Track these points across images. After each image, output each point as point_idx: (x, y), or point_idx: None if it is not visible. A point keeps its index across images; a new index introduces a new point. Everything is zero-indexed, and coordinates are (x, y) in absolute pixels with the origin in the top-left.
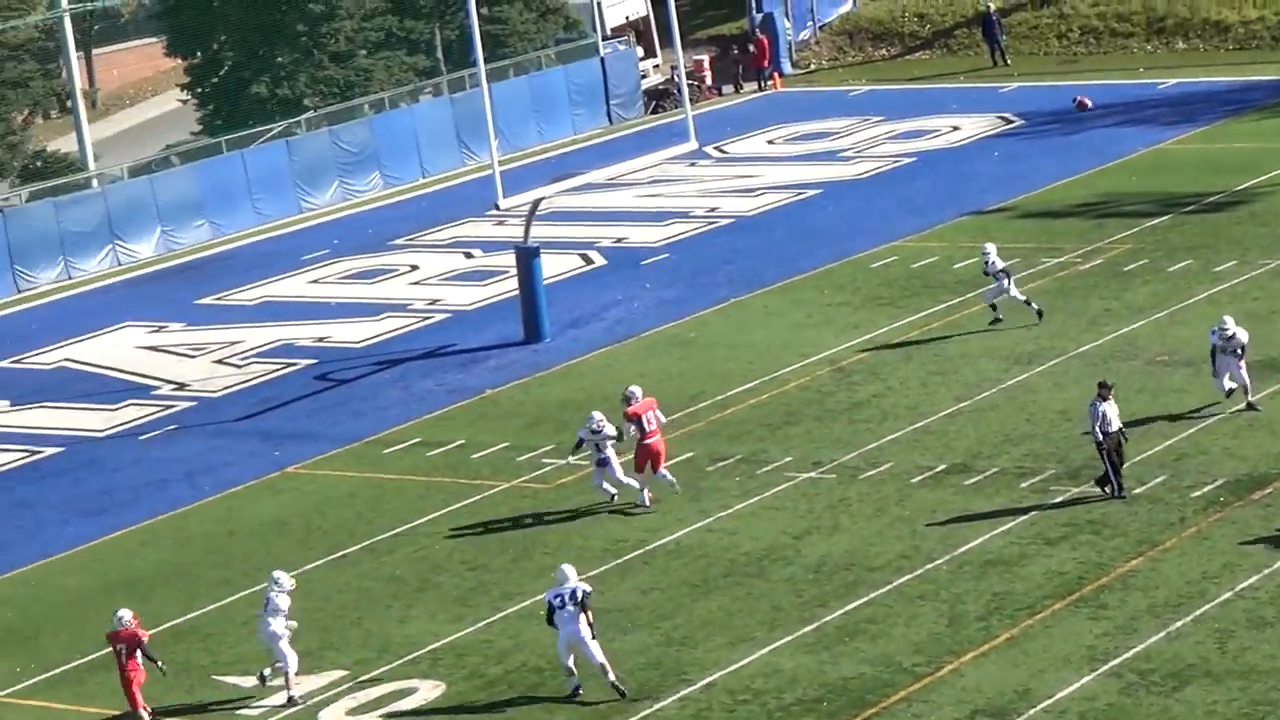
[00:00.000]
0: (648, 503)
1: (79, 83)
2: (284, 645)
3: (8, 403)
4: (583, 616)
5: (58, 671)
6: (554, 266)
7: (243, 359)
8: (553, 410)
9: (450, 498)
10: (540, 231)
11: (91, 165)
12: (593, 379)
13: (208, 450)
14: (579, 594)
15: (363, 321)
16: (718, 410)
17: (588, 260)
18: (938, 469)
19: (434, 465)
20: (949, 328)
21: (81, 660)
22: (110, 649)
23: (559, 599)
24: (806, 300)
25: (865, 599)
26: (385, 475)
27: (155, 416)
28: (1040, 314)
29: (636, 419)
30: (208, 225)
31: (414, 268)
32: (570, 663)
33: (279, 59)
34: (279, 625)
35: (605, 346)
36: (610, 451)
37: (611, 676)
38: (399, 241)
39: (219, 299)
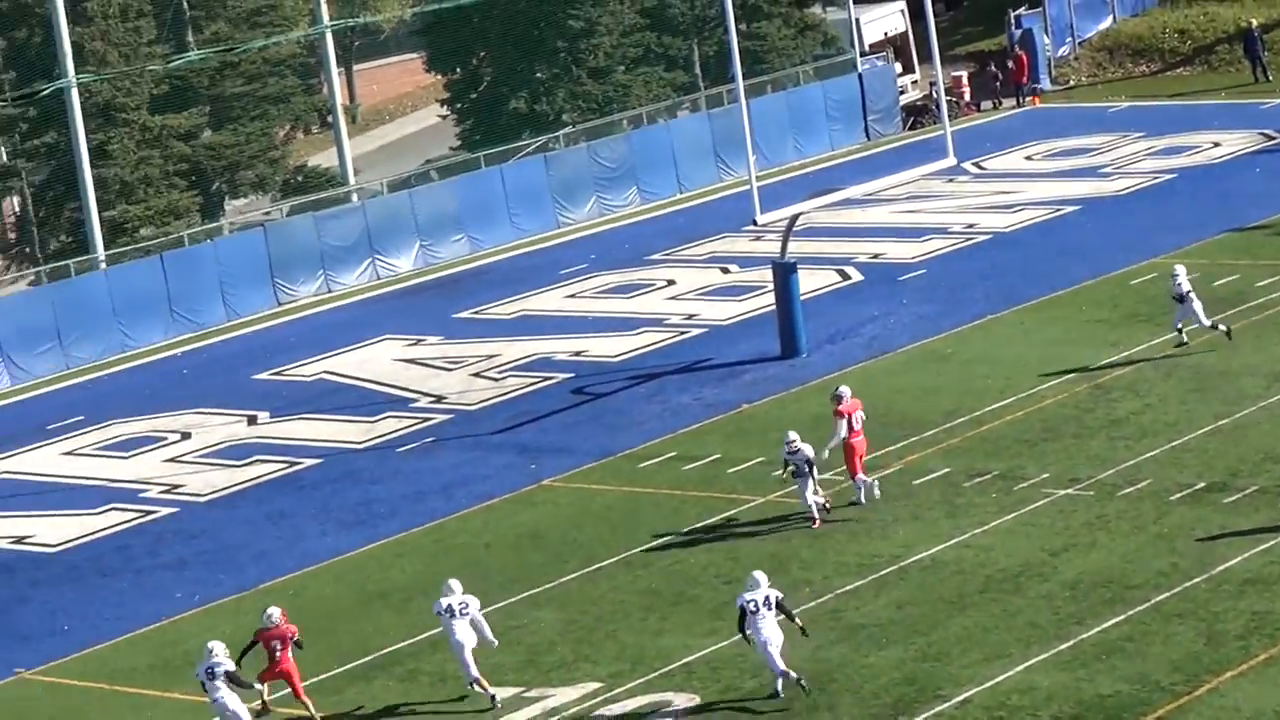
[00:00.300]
0: (864, 501)
1: (340, 98)
2: (467, 655)
3: (268, 414)
4: (775, 619)
5: (312, 682)
6: (811, 282)
7: (500, 372)
8: (808, 425)
9: (705, 512)
10: (797, 247)
11: (351, 180)
12: None
13: (465, 463)
14: (773, 599)
15: (620, 336)
16: (974, 426)
17: (845, 276)
18: (1197, 486)
19: (689, 479)
20: (1208, 345)
21: (339, 669)
22: (263, 646)
23: (753, 604)
24: (1064, 317)
25: (1122, 616)
26: (641, 489)
27: (413, 429)
28: (1229, 333)
29: (846, 417)
30: (466, 239)
31: (671, 282)
32: (780, 665)
33: (538, 75)
34: (465, 633)
35: (861, 362)
36: (808, 469)
37: (793, 676)
38: (656, 256)
39: (476, 313)
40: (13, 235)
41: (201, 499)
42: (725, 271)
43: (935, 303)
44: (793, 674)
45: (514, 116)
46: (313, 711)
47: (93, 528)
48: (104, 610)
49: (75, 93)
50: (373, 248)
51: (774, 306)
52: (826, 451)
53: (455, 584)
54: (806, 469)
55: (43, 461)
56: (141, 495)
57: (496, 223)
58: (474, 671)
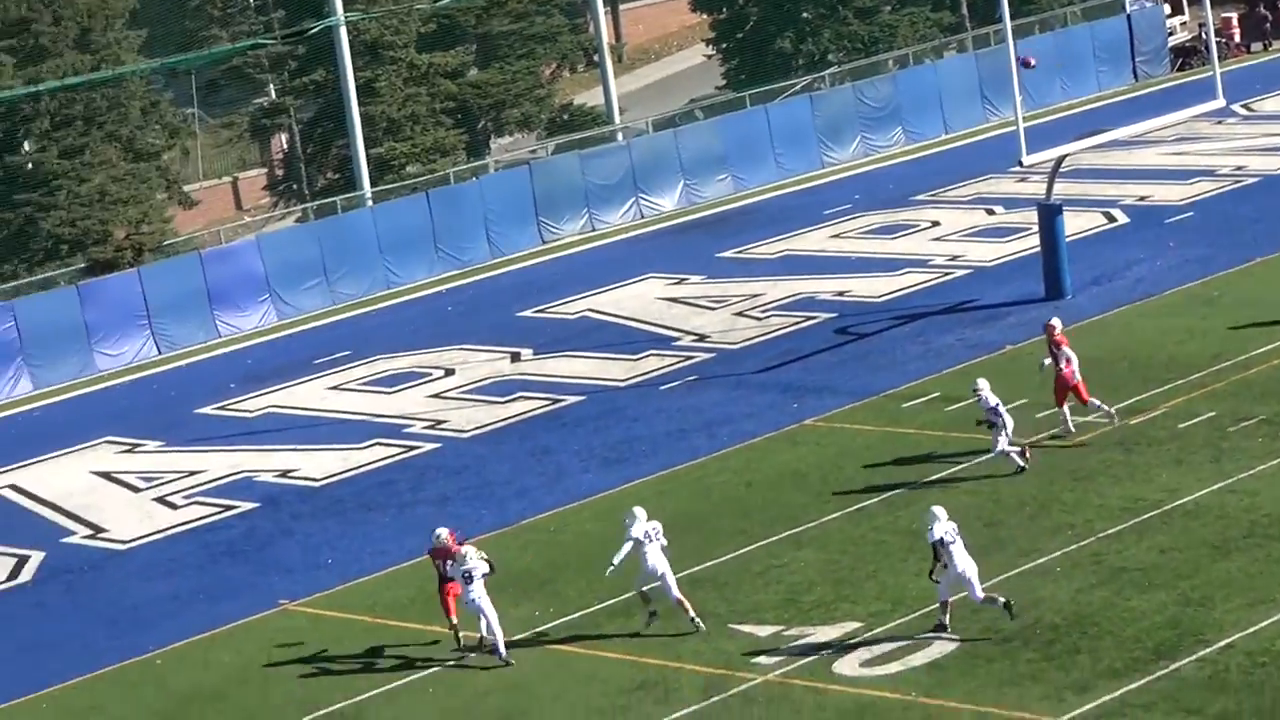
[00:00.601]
0: (1072, 429)
1: (606, 37)
2: (669, 579)
3: (531, 351)
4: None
5: (574, 617)
6: (1076, 224)
7: (763, 312)
8: None
9: (966, 453)
10: (1063, 189)
11: (617, 119)
12: (1113, 336)
13: (726, 401)
14: (955, 531)
15: (883, 276)
16: (1240, 370)
17: (1110, 218)
18: None
19: (952, 420)
20: None
21: (599, 606)
22: (432, 563)
23: (949, 534)
24: None
25: None
26: (903, 429)
27: (675, 367)
28: None
29: (1059, 347)
30: (730, 179)
31: (935, 223)
32: (981, 594)
33: (804, 14)
34: (658, 558)
35: (1126, 304)
36: (1000, 418)
37: (1000, 599)
38: (920, 197)
39: (740, 252)
40: (280, 172)
41: (464, 435)
42: (990, 213)
43: (1202, 246)
44: (999, 597)
45: (779, 56)
46: (455, 622)
47: (357, 462)
48: (366, 544)
49: (344, 31)
50: (637, 186)
51: (1039, 248)
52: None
53: (640, 511)
54: (994, 418)
55: (308, 396)
56: (405, 431)
57: (761, 162)
58: (676, 593)
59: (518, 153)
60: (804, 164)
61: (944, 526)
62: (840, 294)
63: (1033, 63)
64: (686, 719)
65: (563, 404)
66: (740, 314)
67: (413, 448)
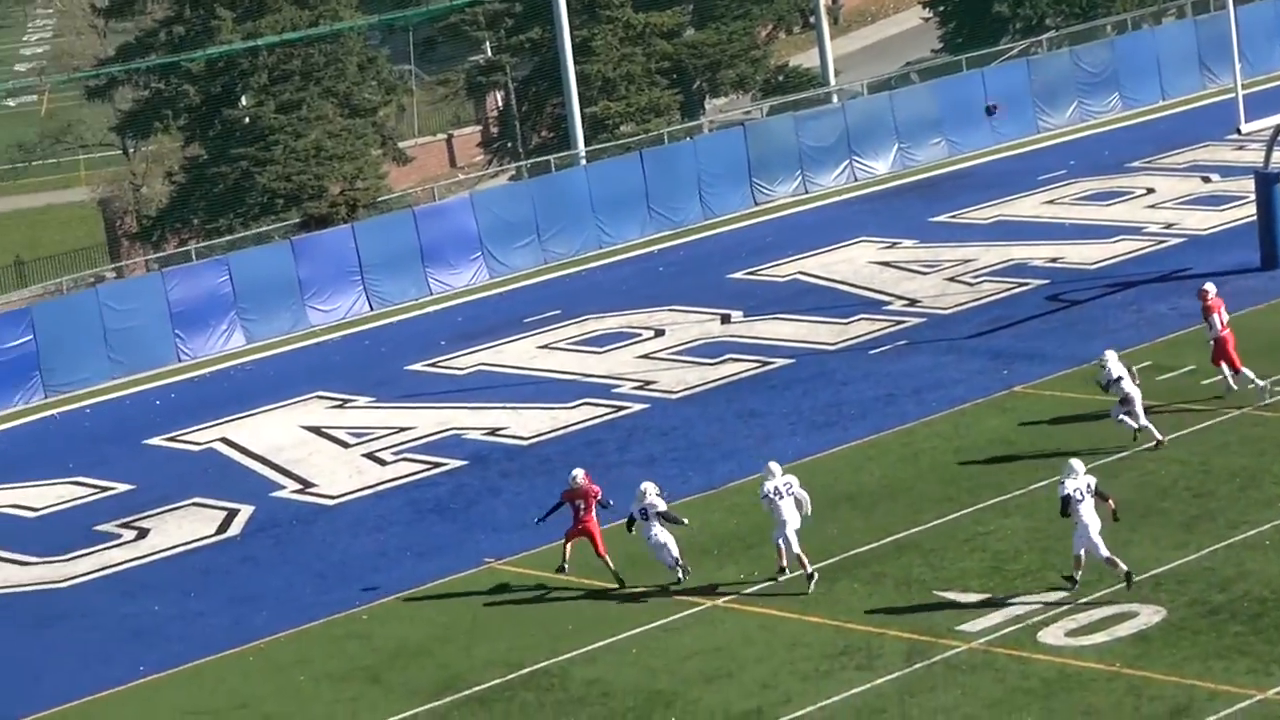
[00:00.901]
0: (1233, 386)
1: None
2: (790, 533)
3: (741, 313)
4: (1095, 509)
5: (781, 580)
6: None
7: (974, 277)
8: None
9: (1179, 423)
10: None
11: (832, 81)
12: None
13: (936, 367)
14: (1093, 485)
15: (1096, 243)
16: None
17: None
18: None
19: (1163, 390)
20: None
21: (804, 571)
22: (568, 506)
23: (1078, 492)
24: None
25: None
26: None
27: (885, 331)
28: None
29: (1213, 312)
30: (944, 143)
31: (1150, 190)
32: (1105, 552)
33: None
34: (790, 513)
35: None
36: (1127, 389)
37: (1122, 567)
38: (1136, 164)
39: (953, 217)
40: (495, 130)
41: (673, 396)
42: (1206, 180)
43: None
44: (1121, 565)
45: (997, 20)
46: (613, 568)
47: (565, 422)
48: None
49: None
50: (851, 149)
51: (1255, 217)
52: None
53: (775, 466)
54: (1116, 391)
55: (518, 355)
56: (614, 390)
57: (975, 126)
58: (796, 548)
59: (732, 114)
60: (1019, 128)
61: (1076, 483)
62: (1052, 260)
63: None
64: (889, 685)
65: (771, 366)
66: (952, 279)
67: (621, 408)
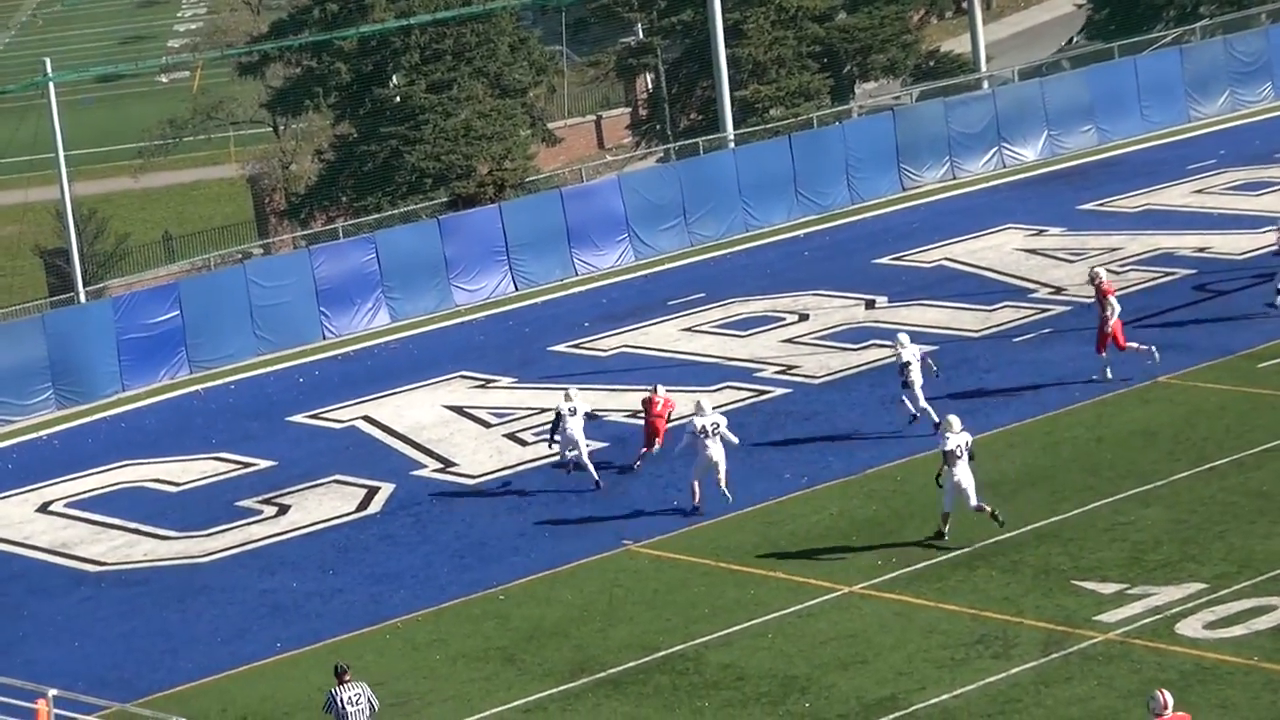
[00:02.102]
0: (1109, 376)
1: None
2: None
3: (886, 298)
4: (968, 463)
5: (919, 567)
6: None
7: (1121, 266)
8: None
9: None
10: None
11: (983, 67)
12: None
13: (1080, 356)
14: (969, 444)
15: (1245, 234)
16: None
17: None
18: None
19: None
20: None
21: (943, 558)
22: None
23: (959, 449)
24: None
25: None
26: (1259, 389)
27: (1030, 319)
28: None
29: (1106, 296)
30: (1095, 130)
31: None
32: (975, 501)
33: None
34: (717, 450)
35: None
36: (912, 375)
37: (988, 509)
38: None
39: (1101, 205)
40: (644, 112)
41: (816, 381)
42: None
43: None
44: (988, 508)
45: (1150, 7)
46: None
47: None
48: (713, 487)
49: None
50: (1000, 135)
51: None
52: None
53: (706, 403)
54: (903, 375)
55: (662, 337)
56: (757, 374)
57: (1126, 114)
58: (724, 487)
59: (882, 98)
60: (1170, 117)
61: (957, 439)
62: (1200, 250)
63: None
64: (1024, 675)
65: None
66: (1100, 267)
67: (763, 392)
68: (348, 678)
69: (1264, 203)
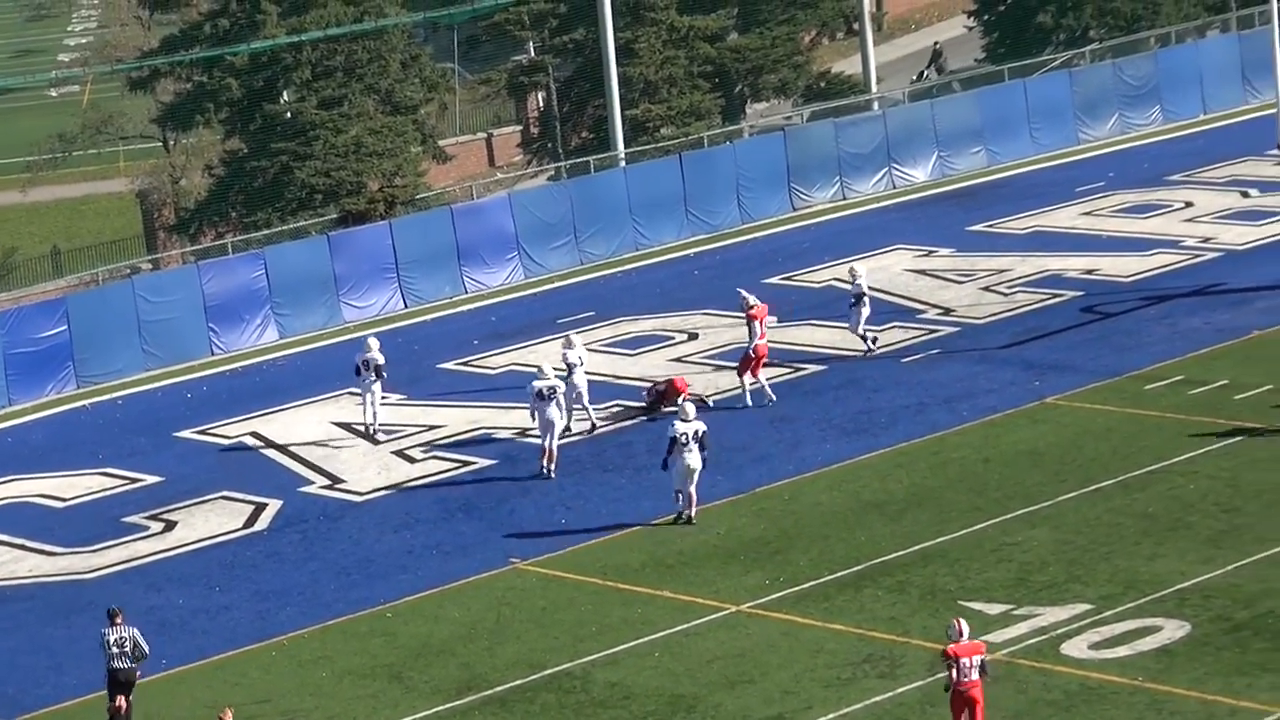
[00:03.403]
0: (749, 403)
1: (868, 5)
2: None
3: (775, 319)
4: (699, 452)
5: (806, 586)
6: None
7: (1009, 287)
8: None
9: (1208, 438)
10: None
11: (874, 88)
12: None
13: (968, 376)
14: (699, 433)
15: (1133, 256)
16: None
17: None
18: None
19: (1195, 404)
20: None
21: (829, 577)
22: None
23: (684, 437)
24: None
25: None
26: (1145, 411)
27: (919, 339)
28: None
29: (756, 320)
30: (984, 152)
31: (1188, 204)
32: (692, 490)
33: None
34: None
35: None
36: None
37: (691, 511)
38: (1175, 178)
39: (990, 226)
40: (535, 130)
41: (708, 400)
42: (1245, 196)
43: None
44: (691, 510)
45: (1040, 30)
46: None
47: (603, 417)
48: (601, 506)
49: None
50: (890, 156)
51: None
52: None
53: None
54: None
55: (551, 356)
56: (645, 393)
57: (1016, 137)
58: (554, 446)
59: (773, 119)
60: (1059, 139)
61: (687, 428)
62: (1088, 272)
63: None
64: (910, 694)
65: (804, 373)
66: (986, 289)
67: (651, 410)
68: (118, 620)
69: (1152, 225)
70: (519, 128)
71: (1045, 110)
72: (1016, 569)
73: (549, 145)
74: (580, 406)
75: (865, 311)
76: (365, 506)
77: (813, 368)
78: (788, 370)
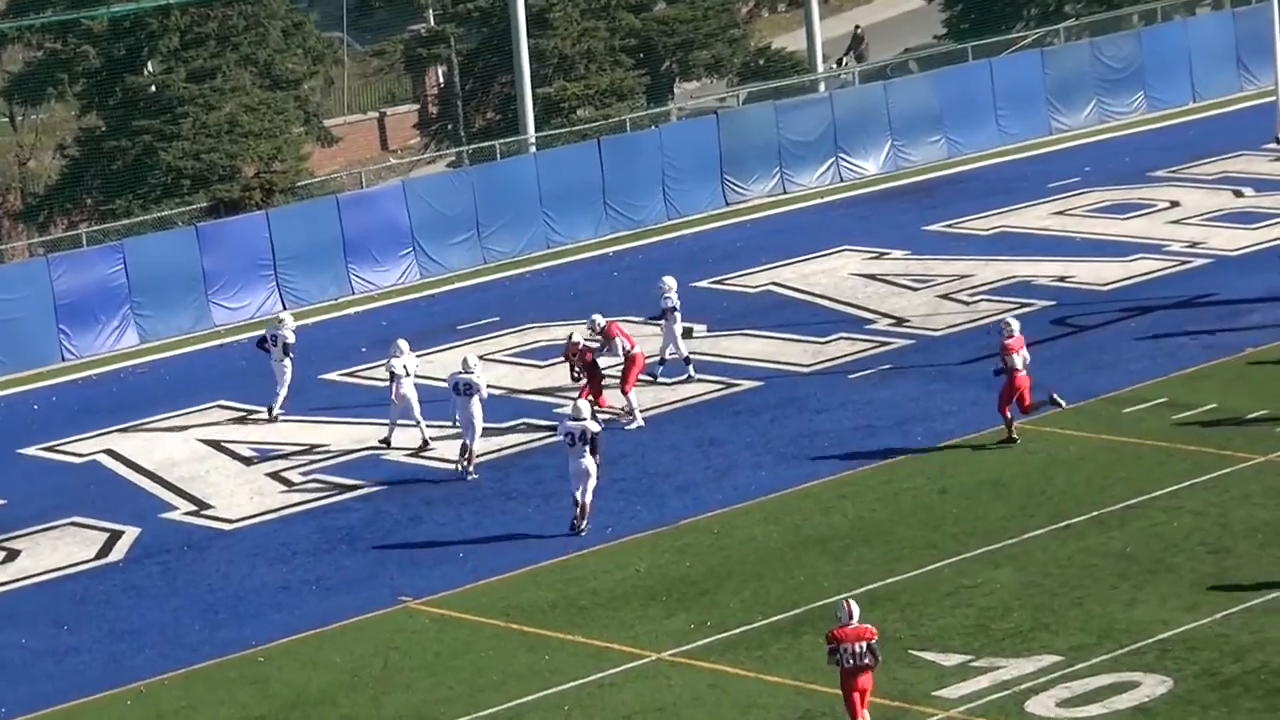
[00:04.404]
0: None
1: None
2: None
3: (705, 327)
4: (591, 455)
5: (737, 632)
6: None
7: (971, 296)
8: None
9: (1194, 469)
10: None
11: (820, 67)
12: None
13: (924, 395)
14: (589, 433)
15: (1111, 261)
16: None
17: None
18: None
19: (1179, 431)
20: None
21: (763, 622)
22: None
23: (569, 437)
24: None
25: None
26: (1122, 438)
27: (868, 354)
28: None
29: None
30: (944, 142)
31: (1174, 204)
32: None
33: None
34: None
35: None
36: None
37: (582, 522)
38: (1159, 173)
39: (950, 226)
40: (434, 110)
41: (621, 419)
42: (1238, 195)
43: None
44: (585, 520)
45: (1009, 4)
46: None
47: (499, 444)
48: (505, 537)
49: None
50: (838, 145)
51: None
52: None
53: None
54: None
55: (450, 366)
56: (557, 410)
57: (980, 124)
58: (474, 446)
59: (705, 100)
60: (1029, 128)
61: (580, 425)
62: (1061, 279)
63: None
64: None
65: (737, 389)
66: (945, 297)
67: (551, 428)
68: None
69: (1133, 227)
70: (416, 107)
71: (1014, 95)
72: (976, 615)
73: (449, 127)
74: (411, 422)
75: (678, 329)
76: (235, 536)
77: (747, 383)
78: (719, 386)
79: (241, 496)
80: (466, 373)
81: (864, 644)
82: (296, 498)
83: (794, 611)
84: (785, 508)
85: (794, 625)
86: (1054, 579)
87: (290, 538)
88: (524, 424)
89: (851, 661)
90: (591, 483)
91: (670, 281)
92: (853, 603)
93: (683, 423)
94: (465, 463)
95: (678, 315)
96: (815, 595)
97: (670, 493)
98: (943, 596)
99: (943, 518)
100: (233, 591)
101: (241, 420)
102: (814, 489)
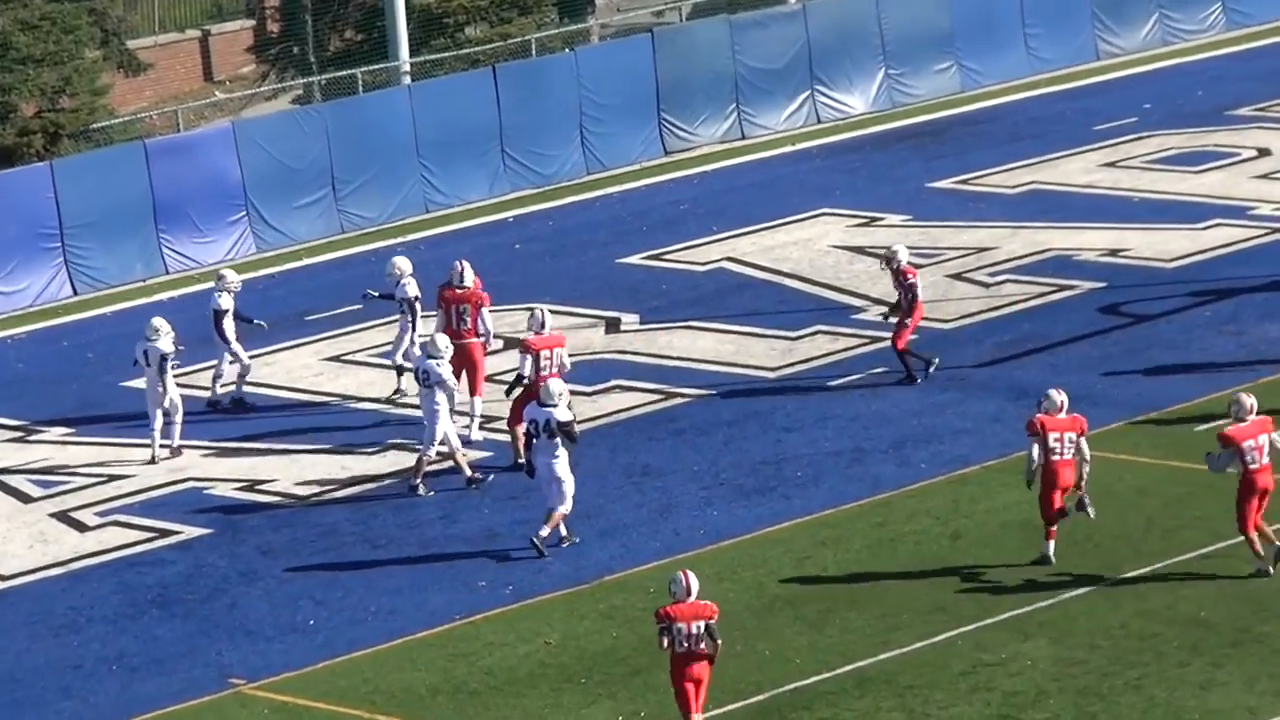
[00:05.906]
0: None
1: None
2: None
3: (637, 318)
4: (559, 448)
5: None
6: None
7: (992, 275)
8: None
9: None
10: None
11: None
12: None
13: (929, 409)
14: (550, 422)
15: (1178, 229)
16: None
17: None
18: None
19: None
20: None
21: (716, 712)
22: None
23: (532, 426)
24: None
25: None
26: (1196, 465)
27: (853, 353)
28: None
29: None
30: (957, 70)
31: (1263, 152)
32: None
33: None
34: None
35: None
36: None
37: (545, 529)
38: (1243, 112)
39: (962, 182)
40: (275, 27)
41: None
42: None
43: None
44: (546, 528)
45: None
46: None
47: (363, 472)
48: (368, 599)
49: None
50: (813, 75)
51: None
52: None
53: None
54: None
55: (295, 369)
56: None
57: (1005, 47)
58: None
59: (636, 15)
60: (1068, 52)
61: (537, 416)
62: (1112, 253)
63: None
64: None
65: (679, 401)
66: (958, 276)
67: (444, 457)
68: None
69: (1207, 184)
70: (250, 23)
71: (1049, 8)
72: (1000, 702)
73: (295, 50)
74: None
75: (411, 332)
76: (9, 598)
77: (692, 392)
78: (655, 397)
79: (18, 544)
80: (435, 354)
81: (701, 624)
82: (92, 545)
83: (757, 698)
84: (744, 559)
85: (760, 714)
86: (1103, 654)
87: (83, 600)
88: (394, 445)
89: (686, 645)
90: (565, 488)
91: (403, 264)
92: (690, 574)
93: (607, 445)
94: (416, 476)
95: (418, 306)
96: (785, 677)
97: (592, 538)
98: (955, 677)
99: (956, 570)
100: (6, 671)
101: (21, 440)
102: (783, 534)
